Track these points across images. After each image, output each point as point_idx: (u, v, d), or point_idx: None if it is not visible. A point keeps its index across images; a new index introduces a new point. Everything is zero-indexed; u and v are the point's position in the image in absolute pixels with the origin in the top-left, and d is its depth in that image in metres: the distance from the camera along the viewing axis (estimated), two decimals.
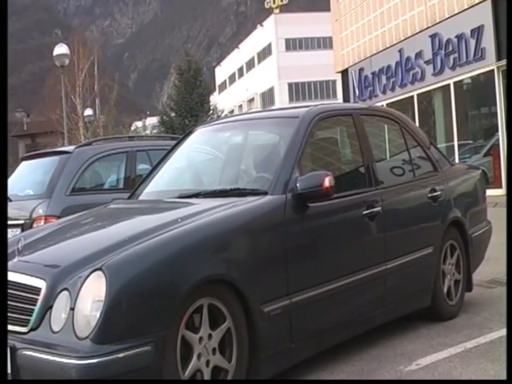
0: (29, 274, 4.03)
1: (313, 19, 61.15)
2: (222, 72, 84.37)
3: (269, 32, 65.87)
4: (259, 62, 69.50)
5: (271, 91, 66.65)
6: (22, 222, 7.74)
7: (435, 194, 6.07)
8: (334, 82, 56.60)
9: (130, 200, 5.81)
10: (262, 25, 69.06)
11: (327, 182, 4.63)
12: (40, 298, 3.85)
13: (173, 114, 45.87)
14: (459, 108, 22.51)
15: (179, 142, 6.28)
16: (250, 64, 72.49)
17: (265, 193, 4.71)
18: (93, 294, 3.67)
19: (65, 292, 3.77)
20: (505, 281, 7.15)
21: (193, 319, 3.98)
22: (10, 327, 3.85)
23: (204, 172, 6.08)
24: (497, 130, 20.08)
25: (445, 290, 6.04)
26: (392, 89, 26.36)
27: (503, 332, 5.34)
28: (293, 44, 64.76)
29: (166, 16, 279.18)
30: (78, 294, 3.70)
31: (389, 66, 26.40)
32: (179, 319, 3.85)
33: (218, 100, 62.33)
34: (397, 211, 5.69)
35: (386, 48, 26.67)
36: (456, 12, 21.78)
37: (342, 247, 5.07)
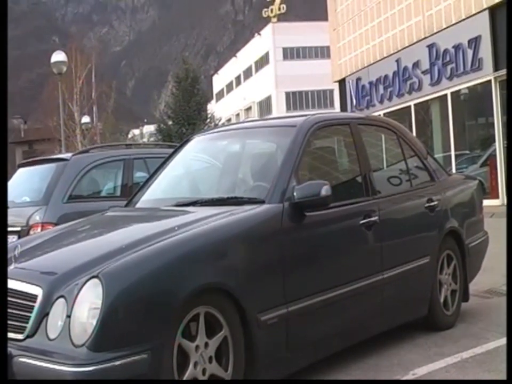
0: (26, 281, 4.03)
1: (311, 28, 61.25)
2: (219, 81, 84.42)
3: (266, 41, 65.96)
4: (256, 70, 69.56)
5: (268, 100, 66.70)
6: (18, 229, 7.73)
7: (432, 204, 6.07)
8: (331, 91, 56.66)
9: (127, 208, 5.81)
10: (259, 34, 69.14)
11: (324, 191, 4.63)
12: (37, 305, 3.85)
13: (170, 122, 45.84)
14: (456, 118, 22.55)
15: (176, 150, 6.28)
16: (247, 73, 72.56)
17: (263, 202, 4.71)
18: (89, 301, 3.67)
19: (61, 299, 3.77)
20: (502, 291, 7.16)
21: (189, 328, 3.97)
22: None
23: (201, 180, 6.08)
24: (494, 141, 20.10)
25: (442, 300, 6.04)
26: (390, 99, 26.39)
27: (500, 342, 5.34)
28: (290, 53, 64.83)
29: (164, 24, 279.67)
30: (75, 301, 3.70)
31: (386, 76, 26.43)
32: (176, 327, 3.85)
33: (215, 108, 62.39)
34: (394, 221, 5.69)
35: (384, 57, 26.70)
36: (453, 22, 21.83)
37: (339, 256, 5.07)
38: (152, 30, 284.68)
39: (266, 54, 66.39)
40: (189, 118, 44.83)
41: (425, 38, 23.58)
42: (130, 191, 7.82)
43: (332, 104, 59.60)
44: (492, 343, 5.37)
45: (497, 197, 19.70)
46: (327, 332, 4.88)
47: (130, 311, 3.71)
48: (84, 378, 3.50)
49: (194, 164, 6.36)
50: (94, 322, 3.59)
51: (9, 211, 7.20)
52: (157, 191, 5.87)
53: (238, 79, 76.06)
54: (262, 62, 67.64)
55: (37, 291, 3.89)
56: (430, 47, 23.13)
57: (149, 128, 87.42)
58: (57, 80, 25.46)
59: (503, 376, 4.27)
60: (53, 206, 7.92)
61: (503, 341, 5.26)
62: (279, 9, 68.24)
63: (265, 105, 67.66)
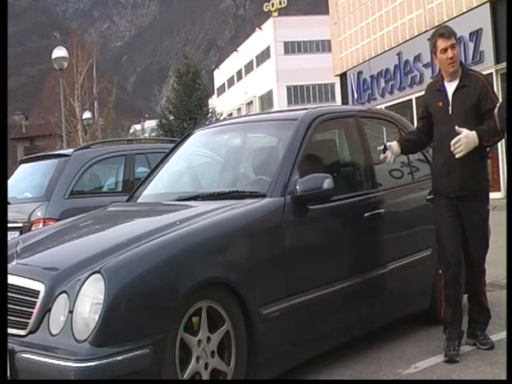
0: (28, 277, 4.04)
1: (312, 22, 61.13)
2: (220, 75, 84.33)
3: (267, 35, 65.84)
4: (258, 65, 69.46)
5: (269, 94, 66.61)
6: (20, 224, 7.73)
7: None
8: (332, 85, 56.51)
9: (129, 202, 5.81)
10: (260, 28, 69.00)
11: (326, 184, 4.63)
12: (39, 301, 3.85)
13: (171, 117, 45.84)
14: None
15: (178, 145, 6.28)
16: (249, 67, 72.46)
17: (264, 195, 4.71)
18: (91, 296, 3.67)
19: (63, 295, 3.77)
20: (504, 284, 7.15)
21: (192, 322, 3.98)
22: (8, 330, 3.84)
23: (203, 175, 6.09)
24: None
25: None
26: (391, 92, 26.38)
27: (502, 335, 5.34)
28: (291, 47, 64.70)
29: (165, 19, 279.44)
30: (77, 296, 3.70)
31: (387, 70, 26.43)
32: (178, 322, 3.85)
33: (217, 103, 62.28)
34: (396, 213, 5.69)
35: (385, 51, 26.69)
36: (454, 15, 21.81)
37: (341, 249, 5.07)
38: (153, 25, 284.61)
39: (268, 48, 66.27)
40: (190, 112, 44.83)
41: (426, 31, 23.52)
42: (132, 186, 7.82)
43: (333, 98, 59.46)
44: (493, 336, 5.37)
45: (498, 189, 19.69)
46: (329, 325, 4.88)
47: (132, 306, 3.71)
48: (87, 373, 3.51)
49: (195, 158, 6.36)
50: (96, 317, 3.59)
51: (11, 207, 7.24)
52: (159, 185, 5.88)
53: (239, 73, 75.98)
54: (263, 56, 67.53)
55: (39, 287, 3.90)
56: None
57: (150, 123, 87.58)
58: (58, 76, 25.41)
59: (504, 369, 4.27)
60: (54, 201, 7.92)
61: (505, 334, 5.26)
62: (280, 3, 68.11)
63: (266, 100, 67.57)
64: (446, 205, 5.17)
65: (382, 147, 5.36)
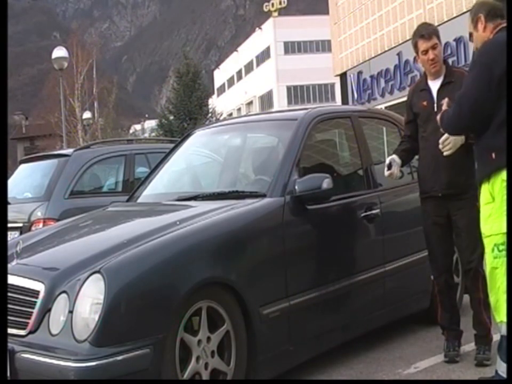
0: (28, 277, 4.04)
1: (312, 22, 61.14)
2: (220, 75, 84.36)
3: (267, 35, 65.87)
4: (258, 65, 69.48)
5: (269, 94, 66.63)
6: (20, 225, 7.73)
7: None
8: (332, 85, 56.49)
9: (129, 202, 5.82)
10: (260, 28, 69.03)
11: (326, 184, 4.63)
12: (39, 301, 3.86)
13: (171, 117, 45.77)
14: None
15: (178, 145, 6.28)
16: (249, 67, 72.49)
17: (264, 195, 4.72)
18: (91, 296, 3.68)
19: (63, 295, 3.78)
20: None
21: (192, 322, 3.98)
22: (8, 330, 3.83)
23: (203, 175, 6.09)
24: None
25: None
26: (391, 92, 26.32)
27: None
28: (291, 47, 64.72)
29: (165, 19, 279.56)
30: (77, 296, 3.70)
31: (387, 70, 26.37)
32: (178, 322, 3.85)
33: (217, 103, 62.18)
34: (395, 213, 5.70)
35: (385, 51, 26.64)
36: (454, 15, 21.79)
37: (340, 249, 5.07)
38: (153, 25, 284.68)
39: (268, 48, 66.30)
40: (190, 112, 44.77)
41: None
42: (132, 186, 7.82)
43: (333, 98, 59.46)
44: (493, 336, 5.36)
45: None
46: (329, 325, 4.89)
47: (132, 306, 3.72)
48: (87, 373, 3.51)
49: (195, 158, 6.36)
50: (96, 317, 3.59)
51: (11, 207, 7.23)
52: (159, 185, 5.88)
53: (239, 73, 76.00)
54: (263, 56, 67.57)
55: (39, 287, 3.90)
56: None
57: (150, 123, 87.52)
58: (58, 76, 25.42)
59: (503, 369, 4.26)
60: (54, 201, 7.93)
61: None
62: (280, 3, 68.19)
63: (266, 100, 67.60)
64: (433, 208, 5.05)
65: (388, 162, 5.20)
